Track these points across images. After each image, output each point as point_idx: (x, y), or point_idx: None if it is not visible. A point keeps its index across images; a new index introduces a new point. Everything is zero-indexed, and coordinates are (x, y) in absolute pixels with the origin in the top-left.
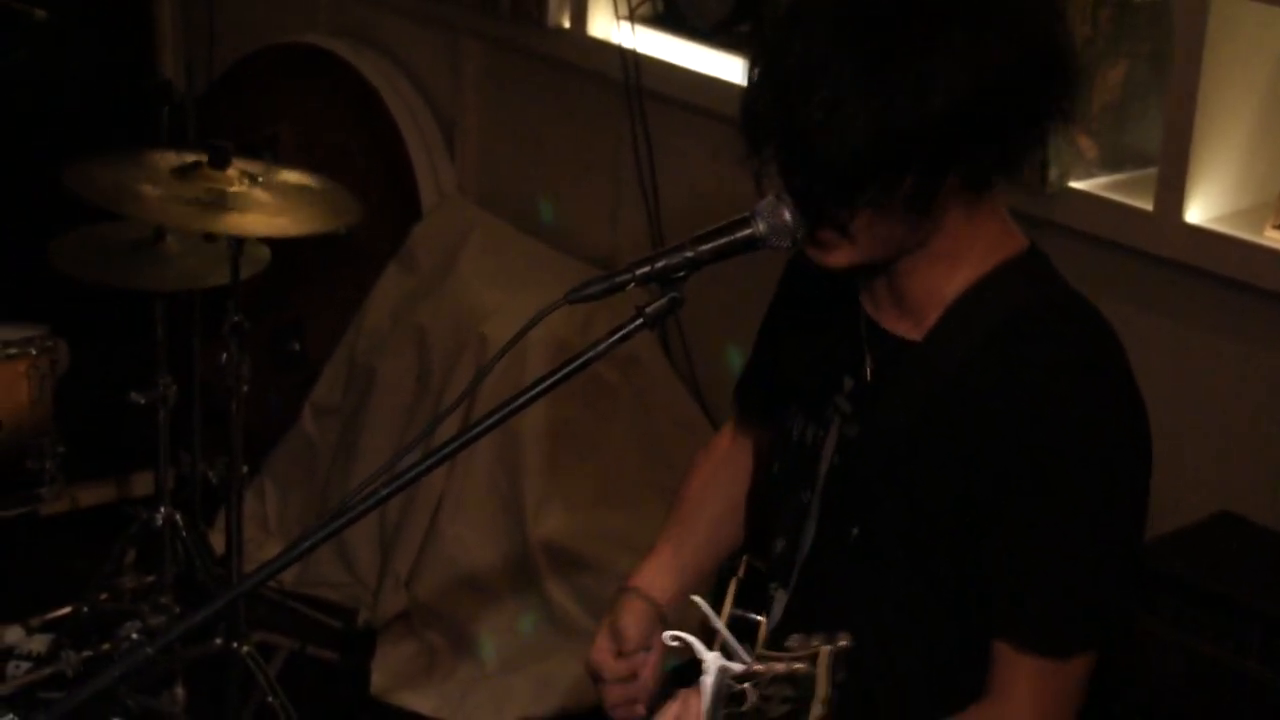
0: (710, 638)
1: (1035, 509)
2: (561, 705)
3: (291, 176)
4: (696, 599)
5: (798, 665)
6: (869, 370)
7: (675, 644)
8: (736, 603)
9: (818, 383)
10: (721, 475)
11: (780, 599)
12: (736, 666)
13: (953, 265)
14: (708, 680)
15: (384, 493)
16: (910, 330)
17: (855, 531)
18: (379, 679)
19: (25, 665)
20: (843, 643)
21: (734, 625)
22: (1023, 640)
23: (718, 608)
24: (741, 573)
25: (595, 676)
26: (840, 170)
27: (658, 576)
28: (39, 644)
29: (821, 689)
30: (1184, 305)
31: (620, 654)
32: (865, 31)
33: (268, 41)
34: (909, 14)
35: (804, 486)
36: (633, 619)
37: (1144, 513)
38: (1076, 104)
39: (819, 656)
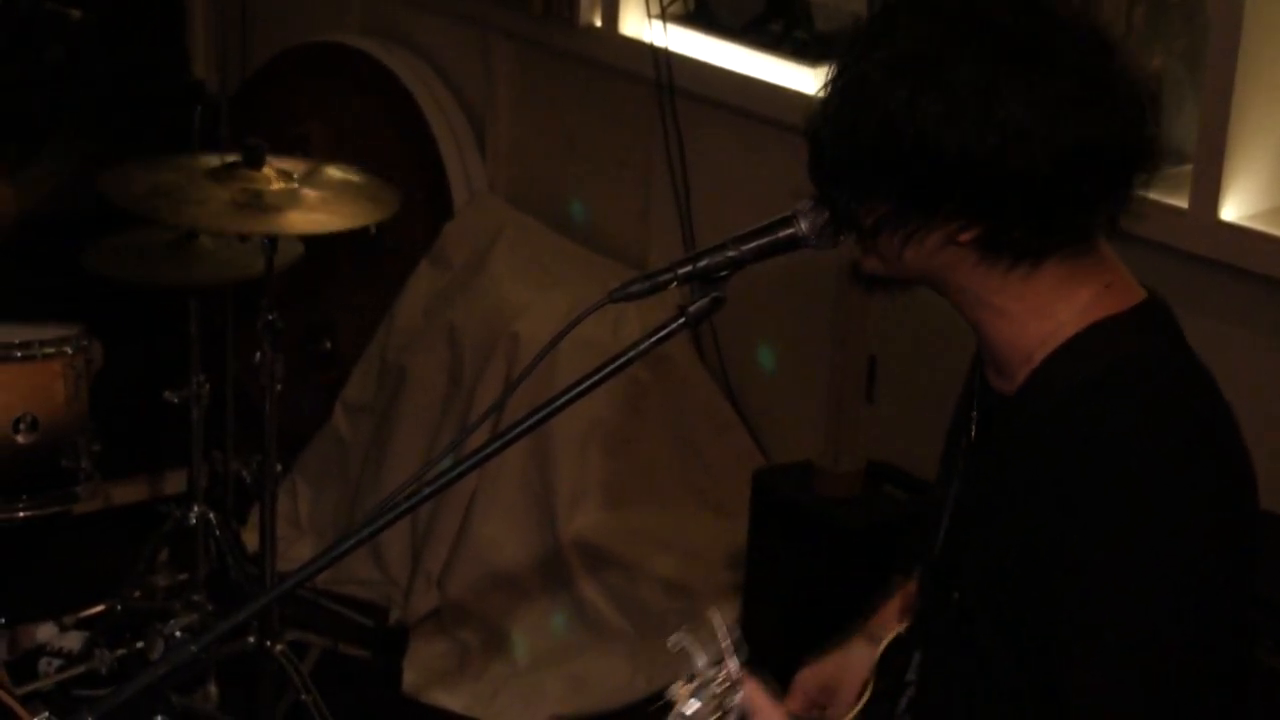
0: None
1: (1086, 586)
2: (593, 704)
3: (328, 171)
4: (712, 612)
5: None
6: (974, 428)
7: (676, 650)
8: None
9: (952, 440)
10: None
11: (916, 659)
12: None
13: (1029, 321)
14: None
15: (418, 498)
16: (1006, 385)
17: (956, 595)
18: (411, 677)
19: (57, 663)
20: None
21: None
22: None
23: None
24: (897, 631)
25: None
26: (828, 163)
27: (888, 618)
28: (71, 641)
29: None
30: (1220, 303)
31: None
32: (907, 45)
33: (300, 41)
34: (941, 49)
35: (933, 546)
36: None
37: (1237, 595)
38: (1122, 197)
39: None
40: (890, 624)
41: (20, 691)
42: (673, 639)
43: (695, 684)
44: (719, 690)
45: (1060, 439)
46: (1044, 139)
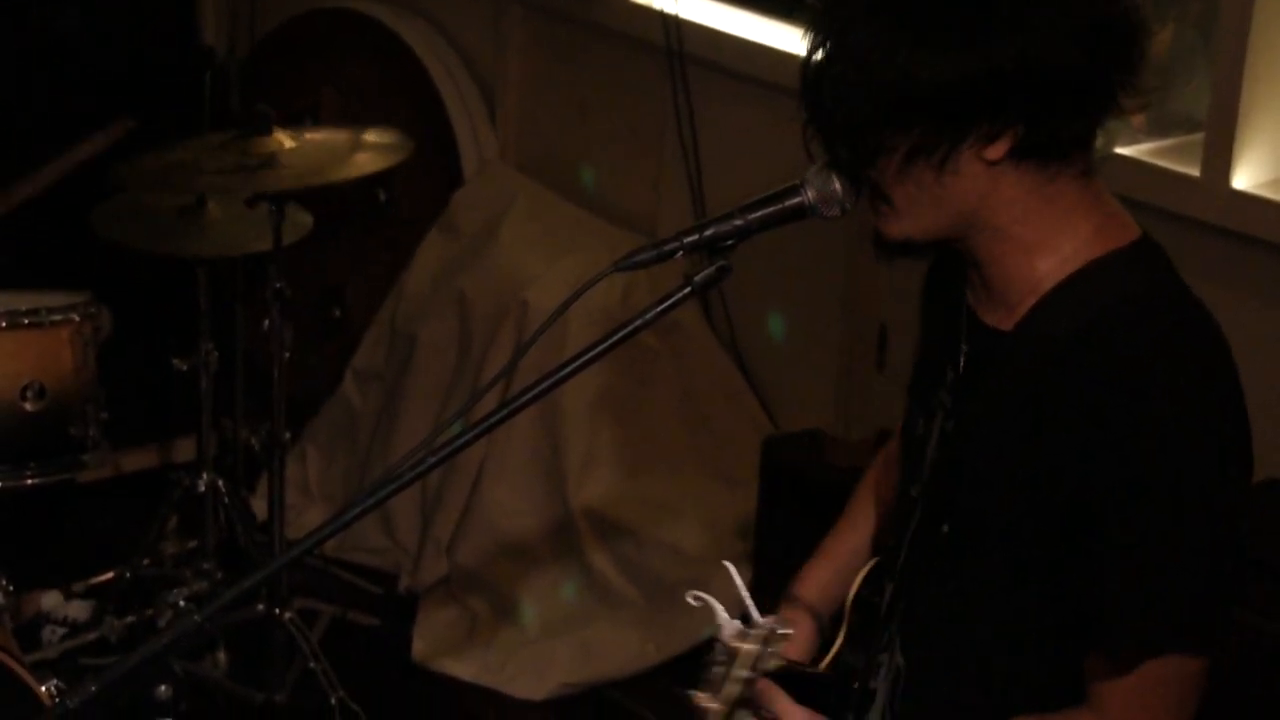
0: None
1: (1123, 505)
2: (602, 672)
3: (335, 132)
4: (727, 564)
5: (743, 644)
6: (963, 361)
7: (697, 604)
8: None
9: (929, 375)
10: (873, 482)
11: (889, 591)
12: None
13: (1038, 253)
14: (720, 645)
15: (426, 465)
16: (1003, 320)
17: (946, 528)
18: (420, 645)
19: (61, 631)
20: (781, 631)
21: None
22: (1111, 639)
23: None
24: (867, 568)
25: None
26: (836, 115)
27: (811, 578)
28: (77, 610)
29: (741, 670)
30: (1232, 271)
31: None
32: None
33: (310, 7)
34: None
35: (913, 481)
36: (798, 630)
37: (1242, 512)
38: (1130, 86)
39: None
40: (826, 585)
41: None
42: (690, 594)
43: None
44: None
45: (1082, 366)
46: (1057, 22)
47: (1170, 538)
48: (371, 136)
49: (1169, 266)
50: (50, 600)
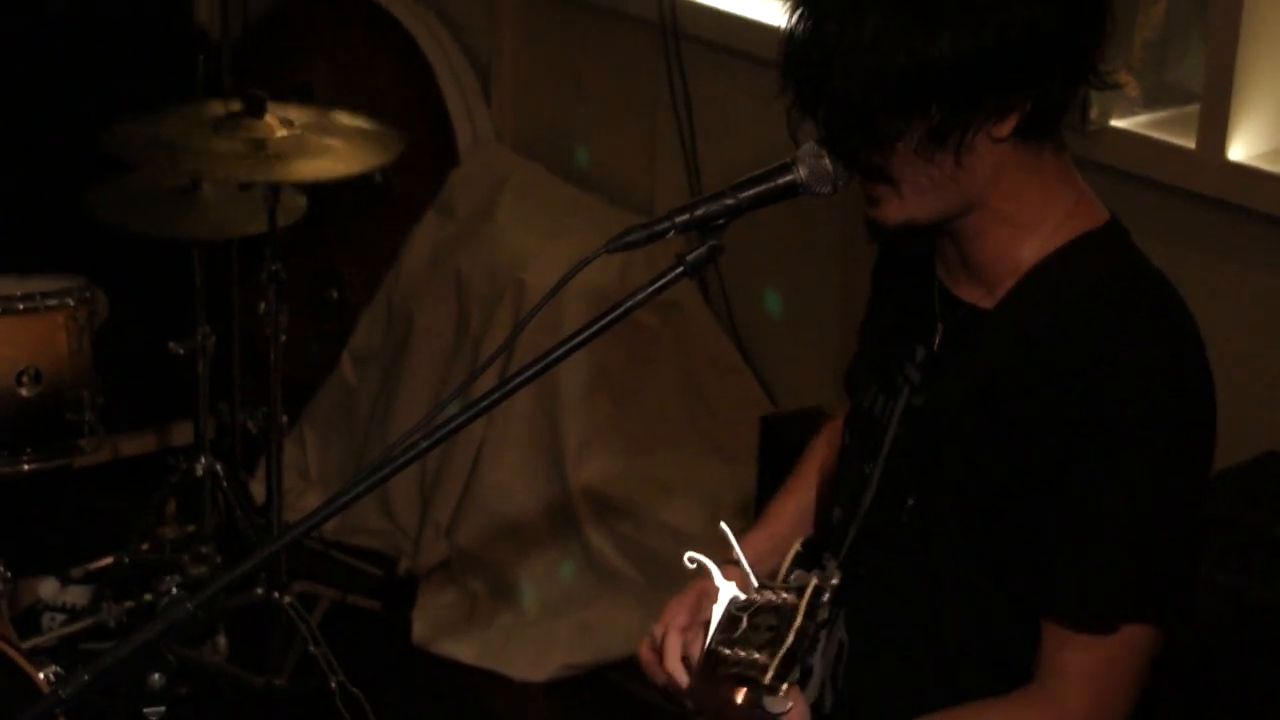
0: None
1: (1089, 479)
2: (602, 652)
3: (331, 118)
4: (723, 526)
5: (785, 596)
6: (938, 339)
7: (693, 566)
8: (796, 566)
9: (890, 352)
10: (824, 452)
11: (832, 567)
12: (742, 596)
13: (1023, 232)
14: (717, 607)
15: (424, 445)
16: (982, 298)
17: (911, 501)
18: (420, 627)
19: (60, 617)
20: (833, 580)
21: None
22: (1066, 613)
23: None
24: (800, 543)
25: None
26: (851, 102)
27: (752, 543)
28: (75, 595)
29: (798, 620)
30: (1227, 243)
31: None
32: None
33: None
34: None
35: (868, 458)
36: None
37: (1203, 488)
38: (1107, 56)
39: (805, 590)
40: (763, 555)
41: (25, 645)
42: (688, 555)
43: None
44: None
45: (1059, 350)
46: (1047, 31)
47: (1134, 514)
48: (364, 126)
49: (1137, 250)
50: (47, 588)
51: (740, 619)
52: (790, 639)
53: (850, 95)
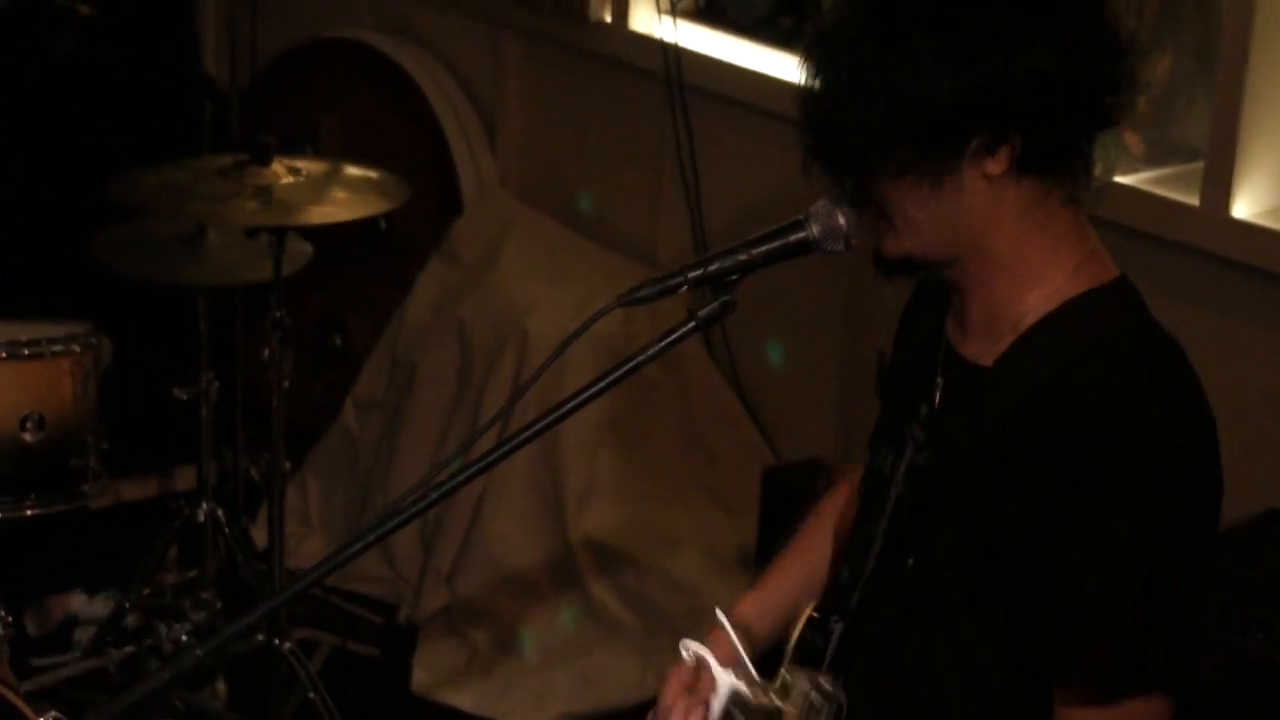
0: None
1: (1089, 541)
2: (602, 702)
3: (336, 168)
4: (718, 613)
5: (782, 705)
6: (938, 395)
7: (687, 654)
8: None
9: (901, 410)
10: (831, 515)
11: (837, 630)
12: (743, 687)
13: (1025, 284)
14: (715, 702)
15: (427, 501)
16: (983, 355)
17: (911, 561)
18: (420, 675)
19: (91, 629)
20: (826, 687)
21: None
22: (1073, 684)
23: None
24: (812, 608)
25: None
26: (847, 142)
27: (743, 608)
28: (100, 606)
29: None
30: (1231, 300)
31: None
32: (892, 4)
33: (310, 36)
34: None
35: (873, 517)
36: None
37: (1210, 555)
38: (1122, 106)
39: (803, 698)
40: (765, 611)
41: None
42: (683, 644)
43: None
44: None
45: (1057, 408)
46: (1041, 34)
47: (1137, 579)
48: (370, 175)
49: (1145, 310)
50: (77, 602)
51: (730, 716)
52: None
53: (836, 131)
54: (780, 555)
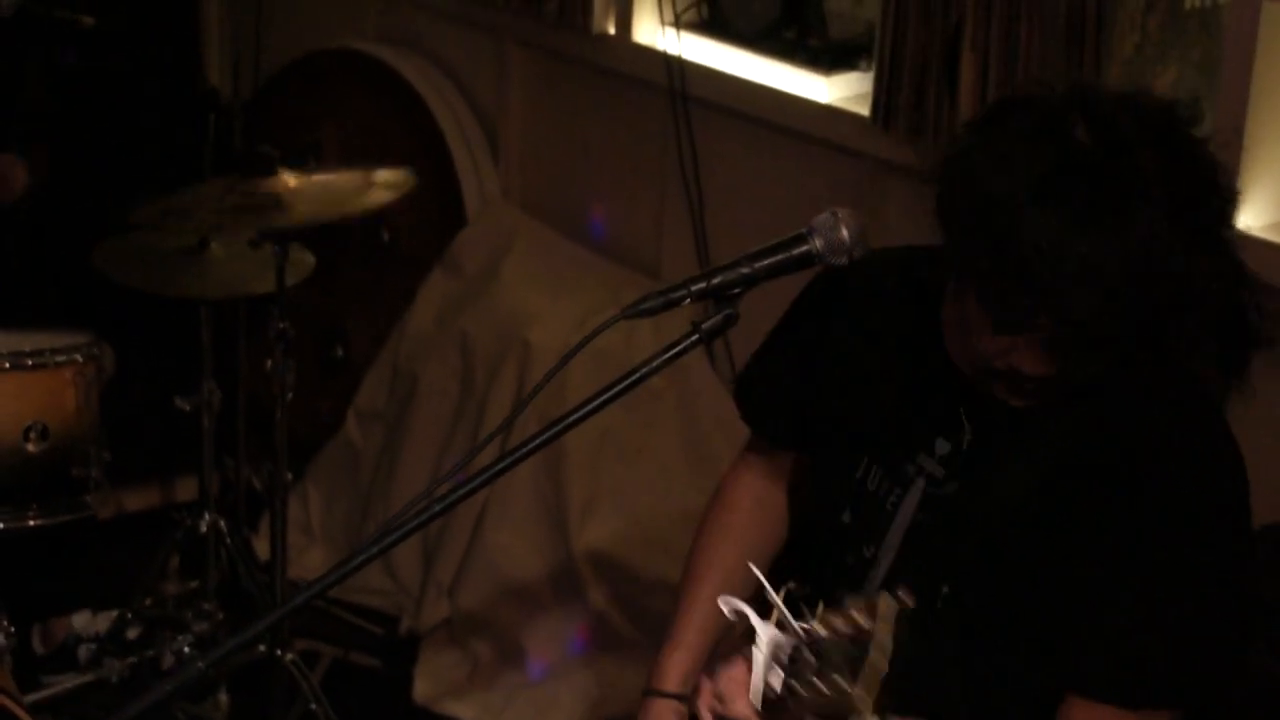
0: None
1: (1135, 567)
2: (605, 713)
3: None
4: (751, 565)
5: (859, 619)
6: (967, 438)
7: (734, 617)
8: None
9: (897, 437)
10: (733, 533)
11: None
12: (786, 637)
13: None
14: (759, 652)
15: (428, 514)
16: (1011, 395)
17: (946, 589)
18: (422, 687)
19: (93, 646)
20: (908, 602)
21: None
22: (1093, 687)
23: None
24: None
25: None
26: (1099, 313)
27: (676, 670)
28: (101, 623)
29: (883, 640)
30: None
31: None
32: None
33: (313, 47)
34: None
35: (868, 540)
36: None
37: (1251, 580)
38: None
39: (879, 610)
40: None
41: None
42: (721, 600)
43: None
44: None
45: (1107, 443)
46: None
47: (1170, 597)
48: (375, 175)
49: None
50: (80, 620)
51: (802, 655)
52: (880, 662)
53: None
54: (687, 596)
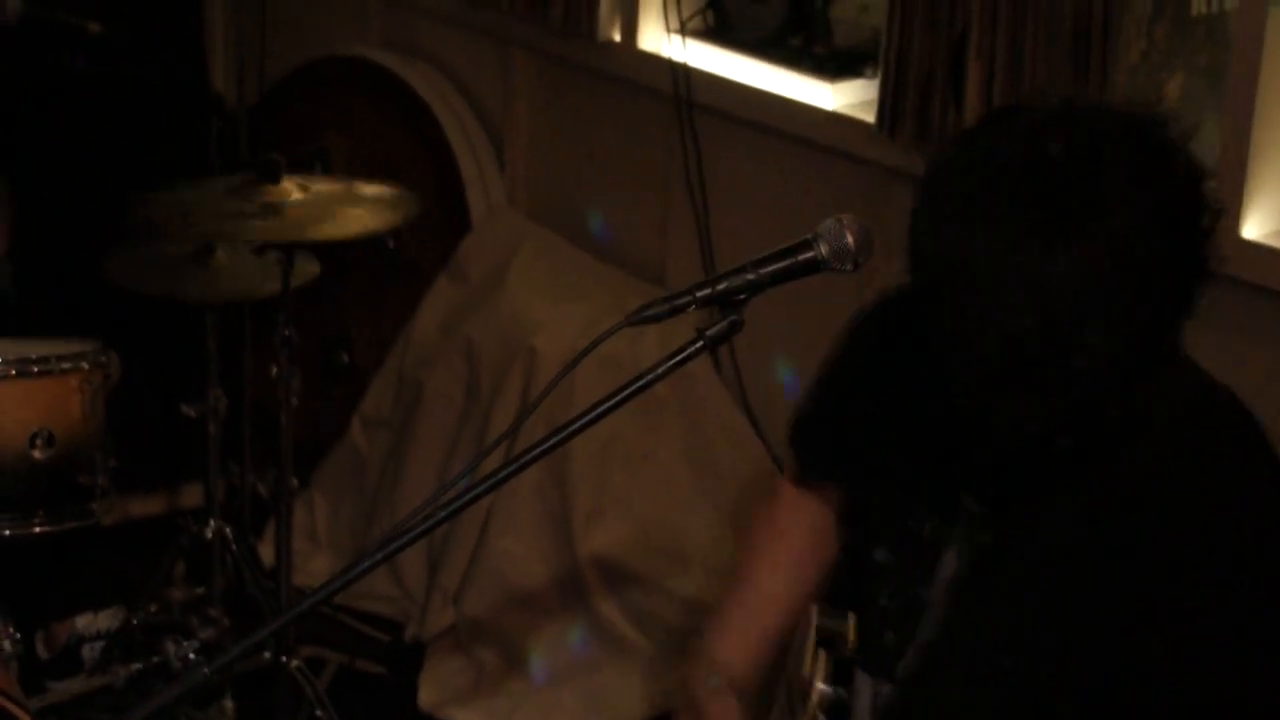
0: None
1: (1218, 622)
2: (609, 719)
3: (345, 185)
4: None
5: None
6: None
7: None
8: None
9: (938, 476)
10: (785, 540)
11: (866, 685)
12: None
13: None
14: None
15: (434, 520)
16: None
17: (1007, 662)
18: (427, 693)
19: (99, 645)
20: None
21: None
22: None
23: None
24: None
25: None
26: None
27: (736, 655)
28: (106, 621)
29: None
30: (1241, 322)
31: None
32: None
33: (319, 54)
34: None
35: (919, 582)
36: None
37: None
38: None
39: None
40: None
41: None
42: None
43: None
44: None
45: (1163, 484)
46: None
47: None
48: (378, 191)
49: (1197, 365)
50: (83, 621)
51: None
52: None
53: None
54: (742, 584)
